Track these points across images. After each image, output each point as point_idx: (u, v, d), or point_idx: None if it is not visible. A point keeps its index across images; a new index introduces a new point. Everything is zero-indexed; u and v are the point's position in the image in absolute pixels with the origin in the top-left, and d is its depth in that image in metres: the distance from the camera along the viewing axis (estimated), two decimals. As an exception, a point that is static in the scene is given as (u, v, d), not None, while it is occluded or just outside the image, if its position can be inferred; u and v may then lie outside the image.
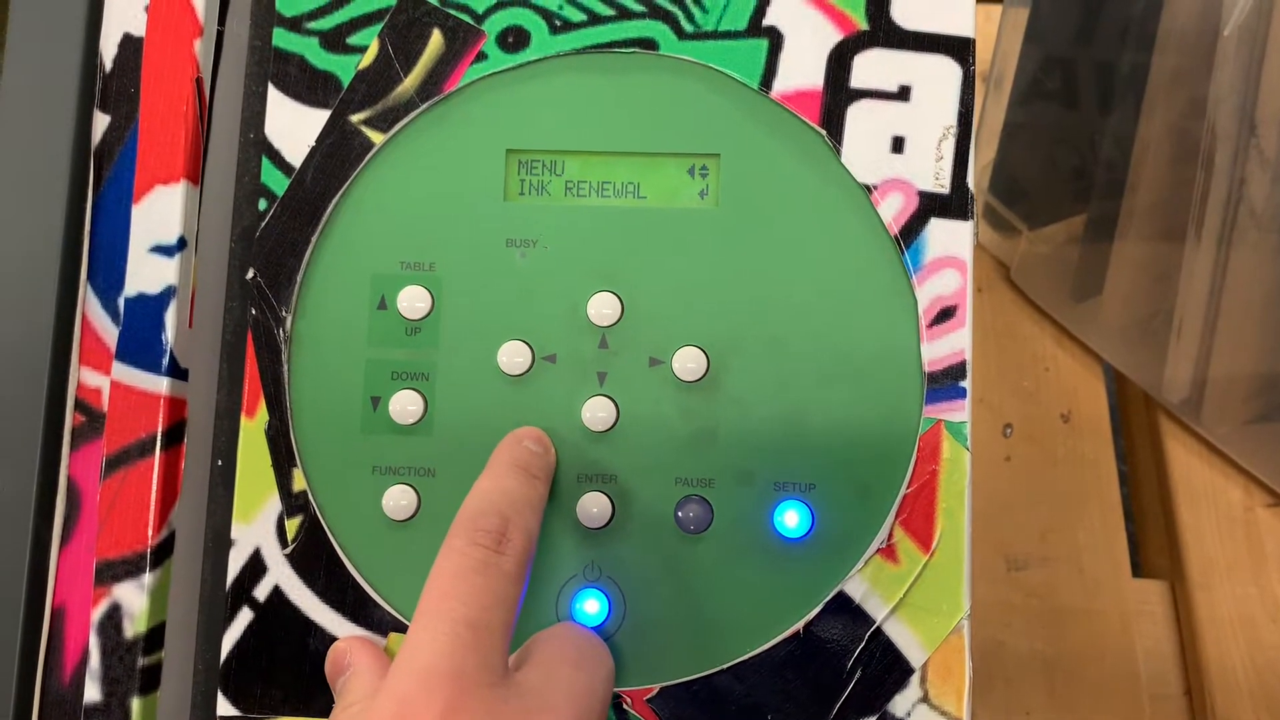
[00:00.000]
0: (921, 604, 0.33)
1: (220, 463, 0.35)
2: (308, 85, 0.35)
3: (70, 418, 0.35)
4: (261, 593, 0.34)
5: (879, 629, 0.33)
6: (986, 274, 0.59)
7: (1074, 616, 0.52)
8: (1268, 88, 0.44)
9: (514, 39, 0.35)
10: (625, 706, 0.33)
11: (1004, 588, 0.53)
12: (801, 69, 0.34)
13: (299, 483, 0.34)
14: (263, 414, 0.34)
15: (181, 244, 0.35)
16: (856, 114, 0.34)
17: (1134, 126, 0.50)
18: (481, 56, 0.35)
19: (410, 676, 0.27)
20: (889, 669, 0.33)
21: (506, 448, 0.33)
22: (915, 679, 0.33)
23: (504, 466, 0.32)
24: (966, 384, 0.33)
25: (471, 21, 0.35)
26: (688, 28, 0.35)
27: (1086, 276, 0.55)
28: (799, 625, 0.33)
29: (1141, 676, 0.51)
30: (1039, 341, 0.58)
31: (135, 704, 0.34)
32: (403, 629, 0.33)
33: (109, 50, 0.36)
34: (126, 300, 0.35)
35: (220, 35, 0.37)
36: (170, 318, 0.35)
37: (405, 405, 0.34)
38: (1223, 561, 0.52)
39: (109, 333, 0.35)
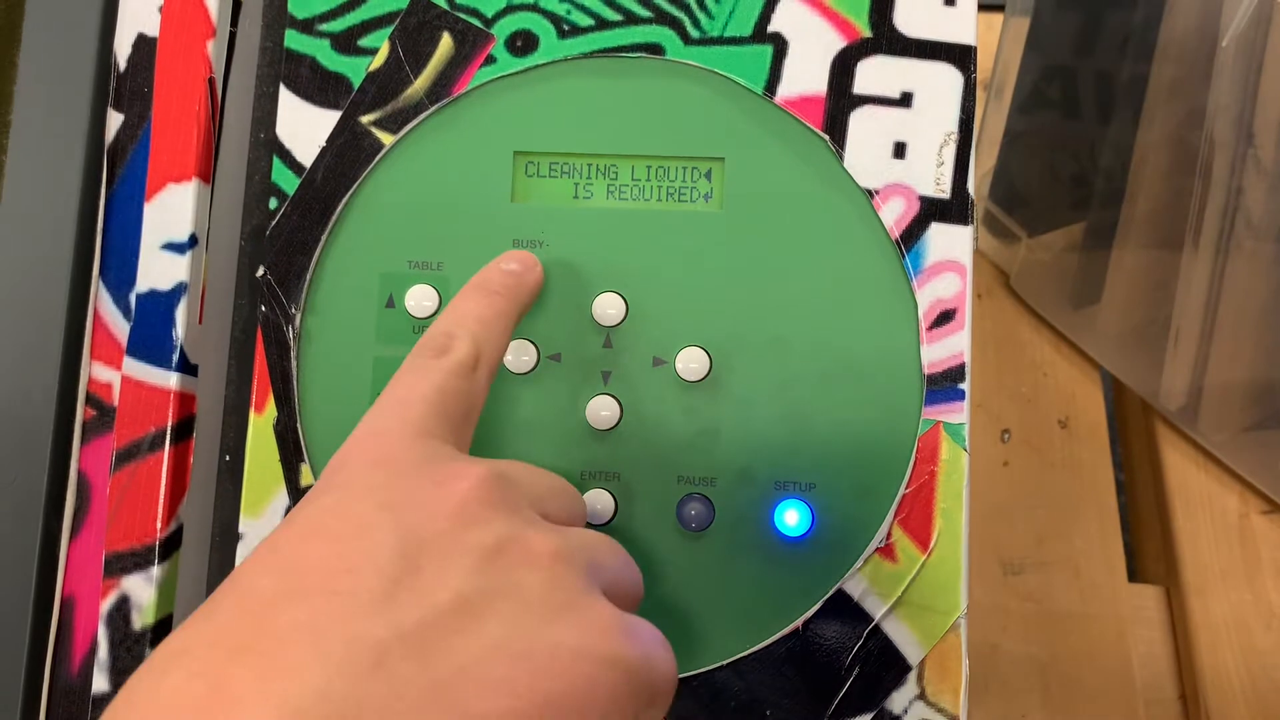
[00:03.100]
0: (919, 602, 0.33)
1: (228, 458, 0.36)
2: (319, 86, 0.36)
3: (81, 412, 0.36)
4: (268, 586, 0.34)
5: (877, 627, 0.33)
6: (986, 280, 0.60)
7: (1070, 621, 0.53)
8: (1265, 98, 0.44)
9: (522, 43, 0.36)
10: (626, 701, 0.33)
11: (1000, 592, 0.53)
12: (805, 75, 0.35)
13: (306, 478, 0.34)
14: (271, 410, 0.35)
15: (193, 241, 0.36)
16: (859, 120, 0.35)
17: (1133, 136, 0.50)
18: (490, 60, 0.36)
19: (347, 445, 0.27)
20: (886, 666, 0.33)
21: (479, 273, 0.33)
22: (912, 676, 0.33)
23: (464, 290, 0.32)
24: (965, 386, 0.34)
25: (481, 25, 0.36)
26: (693, 33, 0.35)
27: (1085, 284, 0.55)
28: (798, 622, 0.33)
29: (1137, 681, 0.52)
30: (1037, 348, 0.59)
31: (142, 695, 0.34)
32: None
33: (123, 50, 0.37)
34: (138, 296, 0.36)
35: (233, 36, 0.37)
36: (181, 314, 0.35)
37: (412, 402, 0.34)
38: (1218, 567, 0.53)
39: (120, 328, 0.36)
